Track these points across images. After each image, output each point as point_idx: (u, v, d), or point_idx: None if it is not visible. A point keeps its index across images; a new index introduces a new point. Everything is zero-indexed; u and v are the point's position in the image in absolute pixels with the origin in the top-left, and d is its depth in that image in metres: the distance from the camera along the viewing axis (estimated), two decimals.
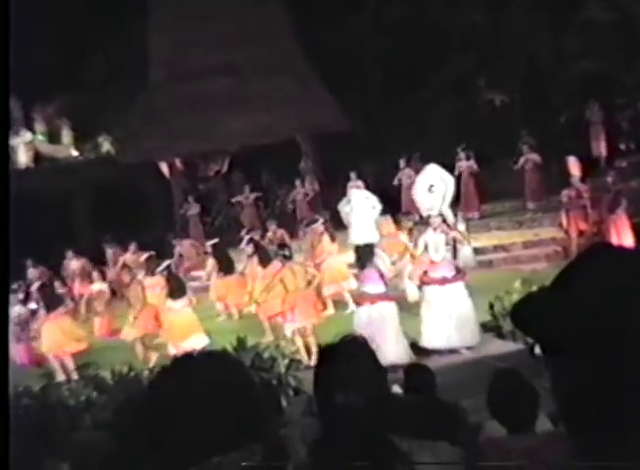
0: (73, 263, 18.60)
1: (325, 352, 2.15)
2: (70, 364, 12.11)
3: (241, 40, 21.34)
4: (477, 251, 15.41)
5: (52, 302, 12.82)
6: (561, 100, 20.74)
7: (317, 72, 21.53)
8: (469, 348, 10.21)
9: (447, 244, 10.38)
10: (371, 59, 22.57)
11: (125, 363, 10.25)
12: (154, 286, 12.68)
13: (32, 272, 17.86)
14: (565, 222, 15.25)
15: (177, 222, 22.25)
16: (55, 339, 12.31)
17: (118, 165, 21.89)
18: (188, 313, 11.66)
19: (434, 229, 10.32)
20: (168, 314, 11.62)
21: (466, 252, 13.20)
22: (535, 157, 19.00)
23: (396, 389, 4.70)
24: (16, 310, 13.89)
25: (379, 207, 11.76)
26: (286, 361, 9.83)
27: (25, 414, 8.52)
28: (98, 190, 21.66)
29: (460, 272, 10.61)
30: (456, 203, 13.62)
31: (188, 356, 1.54)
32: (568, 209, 15.19)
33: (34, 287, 13.68)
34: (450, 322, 10.13)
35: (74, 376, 11.12)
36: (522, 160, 19.12)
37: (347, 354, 2.07)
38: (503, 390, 3.75)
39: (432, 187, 10.45)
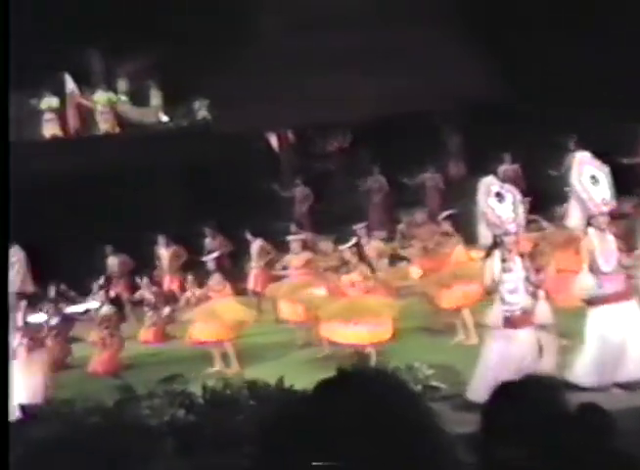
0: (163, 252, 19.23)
1: (502, 390, 2.09)
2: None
3: None
4: None
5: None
6: None
7: (471, 24, 21.23)
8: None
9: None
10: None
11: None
12: None
13: (112, 260, 18.69)
14: None
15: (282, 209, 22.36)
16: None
17: (215, 135, 22.18)
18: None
19: (602, 230, 10.36)
20: None
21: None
22: None
23: None
24: (103, 310, 15.10)
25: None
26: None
27: (93, 435, 8.73)
28: (191, 165, 21.93)
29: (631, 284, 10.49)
30: None
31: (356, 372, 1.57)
32: None
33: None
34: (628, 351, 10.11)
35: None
36: None
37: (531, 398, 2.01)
38: None
39: (594, 178, 10.52)
